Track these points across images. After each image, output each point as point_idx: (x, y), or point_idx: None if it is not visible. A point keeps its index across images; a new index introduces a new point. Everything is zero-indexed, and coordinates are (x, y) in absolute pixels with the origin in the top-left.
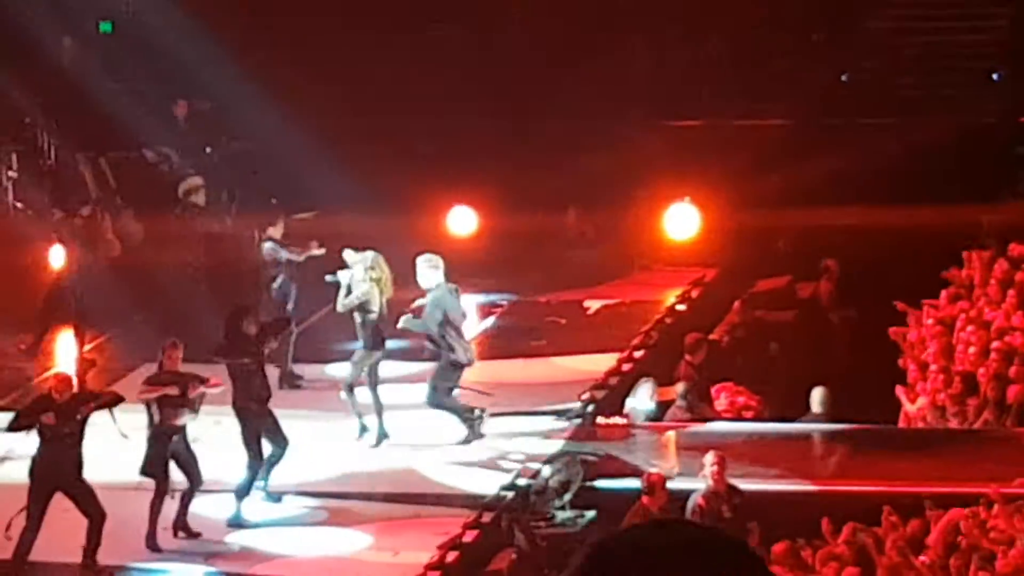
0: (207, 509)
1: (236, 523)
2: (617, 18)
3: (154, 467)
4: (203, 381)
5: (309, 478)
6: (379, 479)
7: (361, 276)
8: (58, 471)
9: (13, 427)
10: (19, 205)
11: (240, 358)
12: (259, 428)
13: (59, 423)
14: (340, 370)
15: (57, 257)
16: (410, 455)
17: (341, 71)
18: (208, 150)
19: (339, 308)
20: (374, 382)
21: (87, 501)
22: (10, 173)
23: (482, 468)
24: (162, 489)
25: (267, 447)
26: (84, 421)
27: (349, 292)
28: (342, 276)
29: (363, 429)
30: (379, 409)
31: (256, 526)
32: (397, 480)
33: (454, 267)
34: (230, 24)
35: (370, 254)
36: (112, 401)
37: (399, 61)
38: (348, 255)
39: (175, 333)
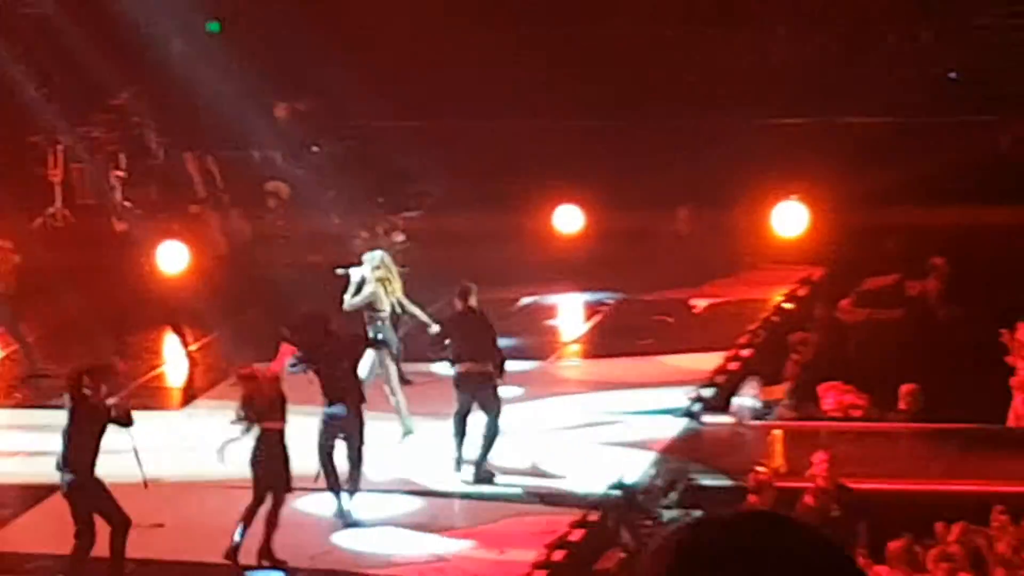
0: (311, 508)
1: (341, 523)
2: (724, 16)
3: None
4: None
5: (414, 477)
6: (482, 478)
7: (369, 276)
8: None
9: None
10: (127, 204)
11: (321, 362)
12: (338, 431)
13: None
14: (446, 368)
15: (164, 256)
16: (515, 454)
17: (448, 70)
18: (315, 148)
19: (345, 306)
20: (390, 379)
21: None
22: (118, 172)
23: (589, 466)
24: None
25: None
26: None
27: (357, 291)
28: (353, 274)
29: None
30: (398, 406)
31: (360, 526)
32: (502, 479)
33: (560, 265)
34: (337, 22)
35: (378, 254)
36: None
37: (507, 59)
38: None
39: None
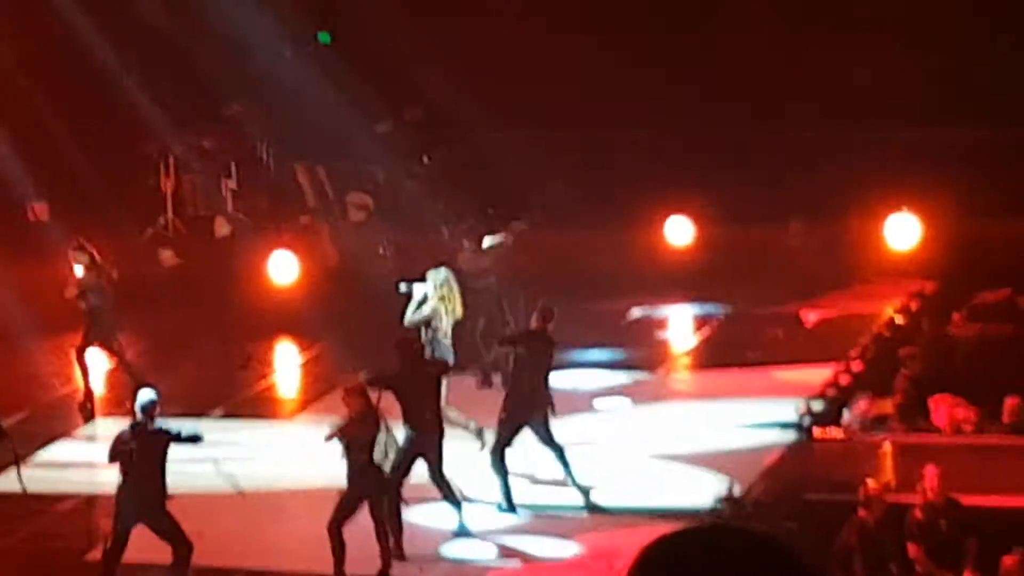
0: (421, 519)
1: (453, 532)
2: (838, 30)
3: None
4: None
5: (530, 487)
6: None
7: (432, 293)
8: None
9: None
10: (239, 215)
11: (404, 387)
12: (418, 449)
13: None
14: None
15: (275, 266)
16: (624, 465)
17: (560, 80)
18: (426, 159)
19: (405, 322)
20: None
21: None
22: (230, 183)
23: (698, 478)
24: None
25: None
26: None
27: (419, 307)
28: (416, 289)
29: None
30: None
31: (468, 536)
32: (609, 489)
33: (670, 277)
34: (449, 32)
35: (443, 272)
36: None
37: (618, 70)
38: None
39: (387, 342)
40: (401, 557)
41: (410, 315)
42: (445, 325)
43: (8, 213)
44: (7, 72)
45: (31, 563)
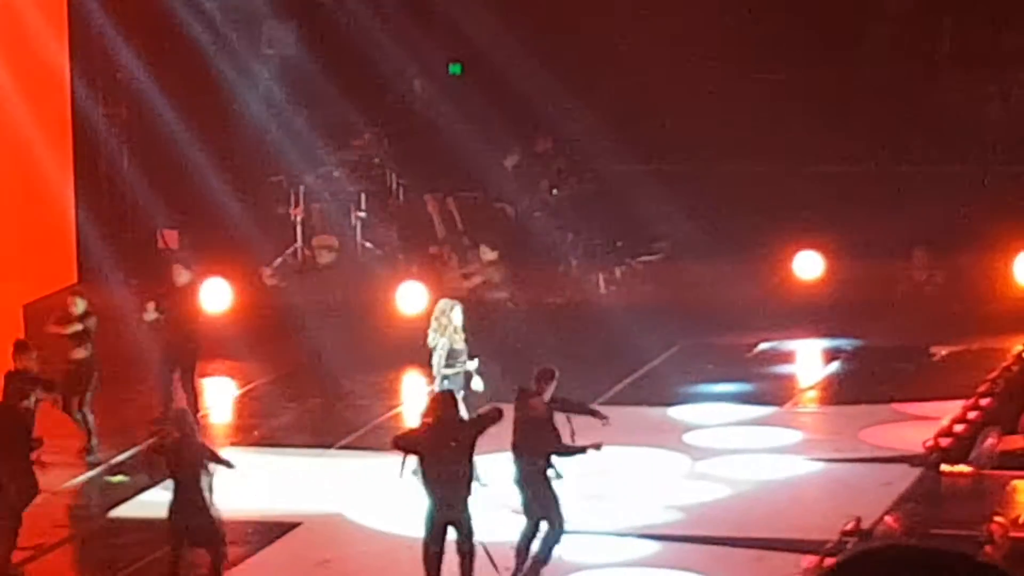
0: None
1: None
2: (966, 60)
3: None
4: None
5: (646, 520)
6: (711, 521)
7: (434, 327)
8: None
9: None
10: (368, 244)
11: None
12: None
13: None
14: (682, 412)
15: (404, 296)
16: (751, 496)
17: (687, 112)
18: (554, 191)
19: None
20: None
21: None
22: (360, 213)
23: (824, 511)
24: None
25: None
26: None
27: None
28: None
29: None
30: None
31: (589, 567)
32: (732, 521)
33: (800, 311)
34: (577, 64)
35: (442, 303)
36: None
37: (745, 102)
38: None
39: (514, 371)
40: None
41: (436, 368)
42: (462, 352)
43: (139, 240)
44: (139, 97)
45: None
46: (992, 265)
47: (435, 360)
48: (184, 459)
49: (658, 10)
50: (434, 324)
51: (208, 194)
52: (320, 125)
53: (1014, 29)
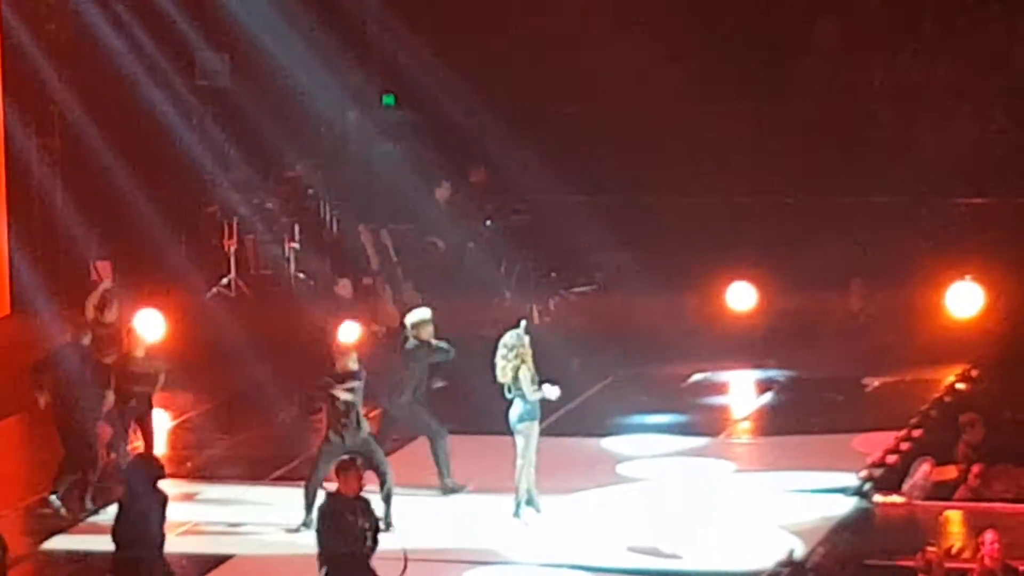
0: None
1: None
2: (899, 95)
3: None
4: None
5: (578, 552)
6: (644, 552)
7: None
8: None
9: None
10: (301, 275)
11: None
12: None
13: None
14: (616, 443)
15: (337, 327)
16: (684, 529)
17: (621, 144)
18: (488, 223)
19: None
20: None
21: None
22: (293, 244)
23: (758, 543)
24: None
25: None
26: None
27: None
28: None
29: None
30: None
31: None
32: (665, 553)
33: (733, 342)
34: (511, 96)
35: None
36: None
37: (678, 135)
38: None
39: (449, 406)
40: None
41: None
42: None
43: (71, 271)
44: (72, 128)
45: None
46: (926, 297)
47: (525, 387)
48: None
49: (592, 44)
50: (509, 355)
51: (142, 225)
52: (254, 156)
53: (945, 62)
